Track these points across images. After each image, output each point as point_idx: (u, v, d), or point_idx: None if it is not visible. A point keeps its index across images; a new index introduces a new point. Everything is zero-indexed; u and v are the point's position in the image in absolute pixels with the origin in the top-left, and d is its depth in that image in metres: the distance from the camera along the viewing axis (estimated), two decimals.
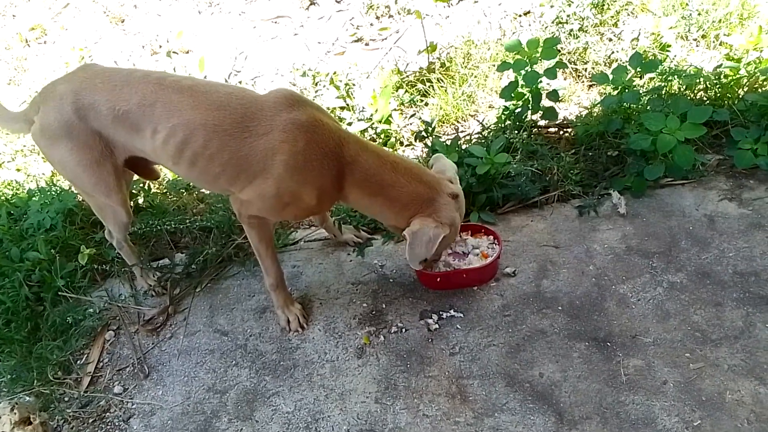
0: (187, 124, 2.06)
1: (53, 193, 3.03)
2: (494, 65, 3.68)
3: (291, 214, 2.27)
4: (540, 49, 3.04)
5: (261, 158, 2.05)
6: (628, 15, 3.88)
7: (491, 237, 2.66)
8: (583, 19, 3.79)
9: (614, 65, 3.52)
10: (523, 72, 3.04)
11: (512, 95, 3.13)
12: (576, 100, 3.55)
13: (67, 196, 2.99)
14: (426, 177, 2.21)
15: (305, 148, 2.05)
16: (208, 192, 3.23)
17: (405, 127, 3.52)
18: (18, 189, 3.35)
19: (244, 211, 2.23)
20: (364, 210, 2.35)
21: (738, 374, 2.09)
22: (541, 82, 3.07)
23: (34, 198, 3.04)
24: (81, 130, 2.16)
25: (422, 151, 3.32)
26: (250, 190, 2.14)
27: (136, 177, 2.84)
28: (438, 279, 2.53)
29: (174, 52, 4.55)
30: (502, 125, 3.20)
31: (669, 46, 3.55)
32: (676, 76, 3.08)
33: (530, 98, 3.10)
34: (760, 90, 3.15)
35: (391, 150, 2.29)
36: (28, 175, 3.53)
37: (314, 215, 2.64)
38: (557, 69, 3.08)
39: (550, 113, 3.15)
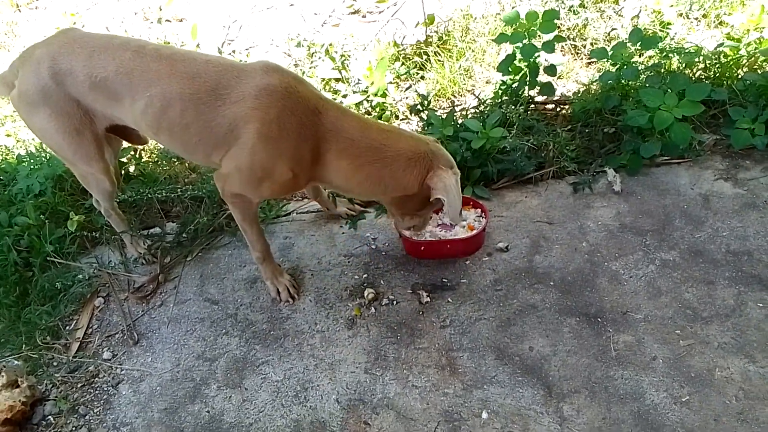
0: (163, 94, 2.01)
1: (42, 158, 2.99)
2: (492, 39, 3.64)
3: (268, 191, 2.18)
4: (539, 22, 3.00)
5: (234, 127, 1.99)
6: None
7: (479, 210, 2.65)
8: None
9: (614, 43, 3.49)
10: (520, 45, 3.00)
11: (509, 69, 3.10)
12: (574, 77, 3.52)
13: (56, 161, 2.94)
14: (410, 133, 2.16)
15: (278, 116, 1.96)
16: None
17: (401, 100, 3.48)
18: (7, 154, 3.31)
19: (227, 188, 2.17)
20: (353, 186, 2.16)
21: (728, 352, 2.10)
22: (539, 56, 3.04)
23: (23, 163, 2.99)
24: (58, 96, 2.11)
25: (417, 124, 3.29)
26: (227, 162, 2.09)
27: (125, 144, 2.81)
28: (422, 248, 2.53)
29: (166, 20, 4.48)
30: (499, 100, 3.17)
31: (670, 23, 3.52)
32: (675, 54, 3.05)
33: (527, 73, 3.07)
34: (759, 70, 3.13)
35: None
36: (18, 141, 3.48)
37: (293, 192, 2.57)
38: (555, 43, 3.04)
39: (547, 89, 3.11)
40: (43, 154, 3.03)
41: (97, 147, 2.25)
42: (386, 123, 2.16)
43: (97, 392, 2.24)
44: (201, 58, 2.10)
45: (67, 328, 2.49)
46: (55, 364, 2.36)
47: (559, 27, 3.58)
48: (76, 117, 2.16)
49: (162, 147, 3.20)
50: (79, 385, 2.27)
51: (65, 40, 2.16)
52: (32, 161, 2.96)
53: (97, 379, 2.29)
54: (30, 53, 2.18)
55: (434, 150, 2.10)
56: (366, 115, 2.21)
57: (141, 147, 3.18)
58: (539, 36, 3.04)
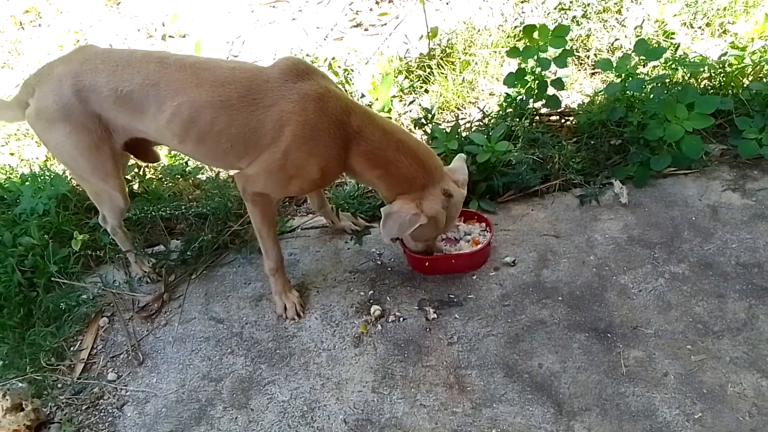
0: (192, 102, 2.03)
1: (47, 178, 2.98)
2: (495, 52, 3.63)
3: (296, 188, 2.24)
4: (549, 38, 2.97)
5: (269, 130, 2.02)
6: (632, 1, 3.83)
7: (483, 224, 2.63)
8: (586, 5, 3.74)
9: (617, 53, 3.48)
10: (535, 57, 2.96)
11: (516, 83, 3.07)
12: (578, 87, 3.50)
13: (60, 181, 2.94)
14: (429, 163, 2.17)
15: (314, 118, 2.01)
16: (204, 178, 3.18)
17: (404, 114, 3.47)
18: (11, 173, 3.30)
19: (249, 187, 2.19)
20: (363, 180, 2.33)
21: (740, 367, 2.07)
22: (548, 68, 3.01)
23: (27, 183, 2.98)
24: (80, 112, 2.11)
25: (421, 138, 3.27)
26: (256, 164, 2.11)
27: (131, 161, 2.80)
28: (426, 263, 2.51)
29: (170, 36, 4.49)
30: (503, 113, 3.15)
31: (674, 33, 3.51)
32: (680, 65, 3.03)
33: (535, 86, 3.04)
34: (765, 79, 3.11)
35: (398, 125, 2.25)
36: (22, 160, 3.47)
37: (319, 188, 2.60)
38: (566, 57, 3.01)
39: (553, 101, 3.09)
40: (48, 173, 3.02)
41: (115, 163, 2.26)
42: (413, 139, 2.21)
43: (102, 414, 2.22)
44: (226, 65, 2.13)
45: (72, 349, 2.47)
46: (59, 386, 2.34)
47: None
48: (96, 133, 2.16)
49: (165, 164, 3.20)
50: (83, 408, 2.25)
51: (85, 56, 2.16)
52: (36, 181, 2.95)
53: (101, 400, 2.27)
54: (48, 71, 2.17)
55: (430, 190, 2.16)
56: (393, 123, 2.29)
57: (145, 165, 3.18)
58: (548, 50, 3.00)
